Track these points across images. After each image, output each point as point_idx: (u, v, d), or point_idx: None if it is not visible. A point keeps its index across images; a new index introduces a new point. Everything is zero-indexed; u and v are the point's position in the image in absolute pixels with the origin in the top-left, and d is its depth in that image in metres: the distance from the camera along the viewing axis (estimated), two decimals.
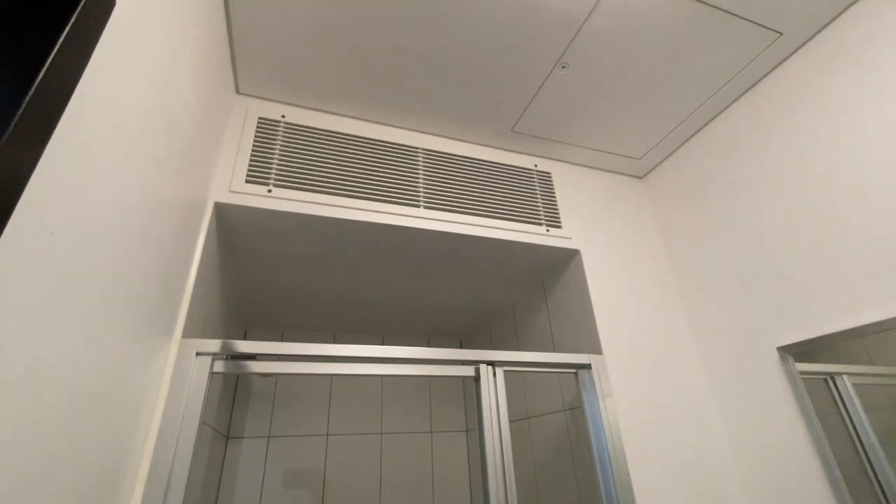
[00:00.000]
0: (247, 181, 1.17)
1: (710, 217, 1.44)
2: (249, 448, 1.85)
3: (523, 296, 1.83)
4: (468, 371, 1.19)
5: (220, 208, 1.14)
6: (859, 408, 1.20)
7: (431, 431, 2.14)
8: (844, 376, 1.25)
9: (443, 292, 1.79)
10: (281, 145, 1.26)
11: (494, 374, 1.22)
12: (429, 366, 1.16)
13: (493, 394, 1.20)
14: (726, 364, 1.35)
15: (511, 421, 1.55)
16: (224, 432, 1.76)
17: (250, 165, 1.19)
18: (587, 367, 1.29)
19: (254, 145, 1.23)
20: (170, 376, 0.93)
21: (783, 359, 1.21)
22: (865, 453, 1.17)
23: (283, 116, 1.30)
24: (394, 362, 1.12)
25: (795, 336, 1.17)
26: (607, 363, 1.31)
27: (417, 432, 2.11)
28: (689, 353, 1.45)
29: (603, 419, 1.24)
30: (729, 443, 1.33)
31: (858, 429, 1.20)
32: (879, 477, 1.12)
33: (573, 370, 1.30)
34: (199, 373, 0.96)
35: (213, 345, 0.99)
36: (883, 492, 1.10)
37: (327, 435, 1.95)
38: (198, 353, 0.97)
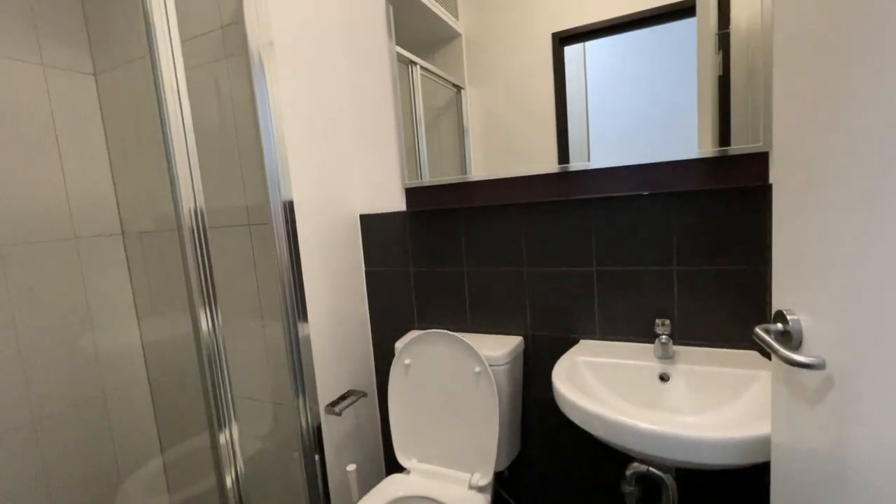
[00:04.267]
0: None
1: None
2: None
3: None
4: None
5: None
6: (420, 93, 1.81)
7: (43, 65, 1.73)
8: (418, 66, 1.97)
9: None
10: None
11: None
12: None
13: None
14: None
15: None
16: None
17: None
18: None
19: None
20: None
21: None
22: (416, 128, 1.75)
23: None
24: None
25: None
26: None
27: (23, 61, 1.66)
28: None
29: (265, 62, 1.48)
30: (349, 103, 1.86)
31: (416, 109, 1.75)
32: (420, 149, 1.74)
33: None
34: None
35: None
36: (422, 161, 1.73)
37: None
38: None
